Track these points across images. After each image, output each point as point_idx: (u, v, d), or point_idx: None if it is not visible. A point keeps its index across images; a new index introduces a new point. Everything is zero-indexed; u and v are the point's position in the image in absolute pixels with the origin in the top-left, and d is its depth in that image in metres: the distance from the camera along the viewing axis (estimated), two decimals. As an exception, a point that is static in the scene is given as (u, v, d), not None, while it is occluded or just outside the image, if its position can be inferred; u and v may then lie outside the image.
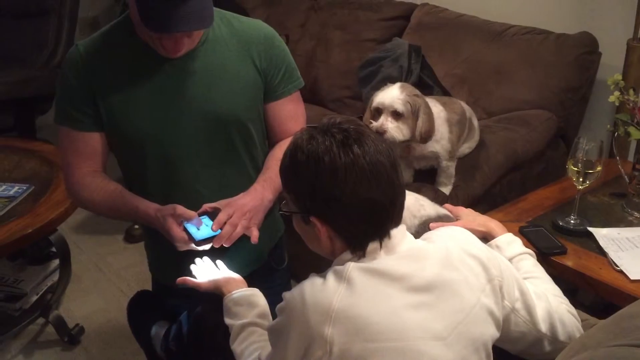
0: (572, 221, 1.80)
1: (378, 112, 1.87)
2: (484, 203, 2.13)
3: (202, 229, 1.45)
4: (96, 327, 2.41)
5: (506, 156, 2.20)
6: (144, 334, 1.73)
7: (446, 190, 2.09)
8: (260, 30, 1.60)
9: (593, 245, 1.73)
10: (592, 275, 1.61)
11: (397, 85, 1.90)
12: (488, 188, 2.16)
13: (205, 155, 1.56)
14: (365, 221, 1.07)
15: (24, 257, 2.40)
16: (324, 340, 1.00)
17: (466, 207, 1.59)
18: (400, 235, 1.10)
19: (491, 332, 1.10)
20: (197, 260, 1.48)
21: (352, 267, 1.05)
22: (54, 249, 2.37)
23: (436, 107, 1.98)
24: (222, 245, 1.46)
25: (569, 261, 1.67)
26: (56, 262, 2.42)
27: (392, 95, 1.85)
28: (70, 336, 2.32)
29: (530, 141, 2.29)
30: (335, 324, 1.00)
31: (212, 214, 1.48)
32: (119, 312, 2.42)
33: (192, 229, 1.45)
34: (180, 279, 1.40)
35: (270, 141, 1.70)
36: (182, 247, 1.45)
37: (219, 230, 1.44)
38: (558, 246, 1.70)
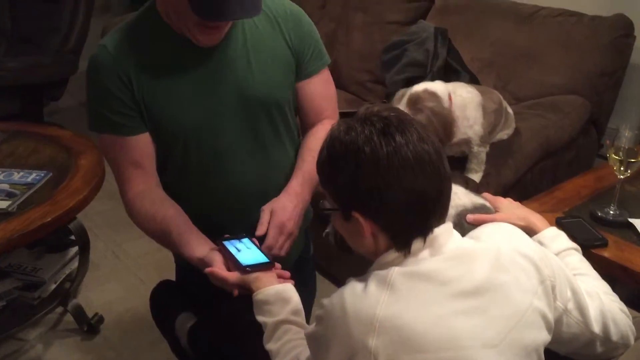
0: (611, 212, 1.73)
1: None
2: (515, 192, 2.06)
3: (245, 252, 1.34)
4: (115, 316, 2.37)
5: (539, 143, 2.13)
6: (168, 326, 1.68)
7: (476, 177, 2.02)
8: (286, 6, 1.54)
9: (634, 237, 1.66)
10: (635, 269, 1.55)
11: (404, 101, 1.85)
12: (520, 176, 2.09)
13: (249, 142, 1.50)
14: (411, 213, 1.00)
15: (41, 245, 2.36)
16: (368, 352, 0.94)
17: (498, 195, 1.52)
18: (446, 233, 1.04)
19: (543, 337, 1.04)
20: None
21: (396, 273, 0.99)
22: (72, 237, 2.32)
23: (470, 94, 1.94)
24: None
25: (610, 254, 1.60)
26: (74, 249, 2.37)
27: None
28: (89, 325, 2.28)
29: (563, 128, 2.21)
30: (380, 334, 0.94)
31: (250, 236, 1.39)
32: (138, 301, 2.38)
33: (232, 249, 1.34)
34: (208, 269, 1.33)
35: (303, 123, 1.64)
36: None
37: (267, 259, 1.33)
38: (598, 238, 1.63)
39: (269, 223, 1.42)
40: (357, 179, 0.99)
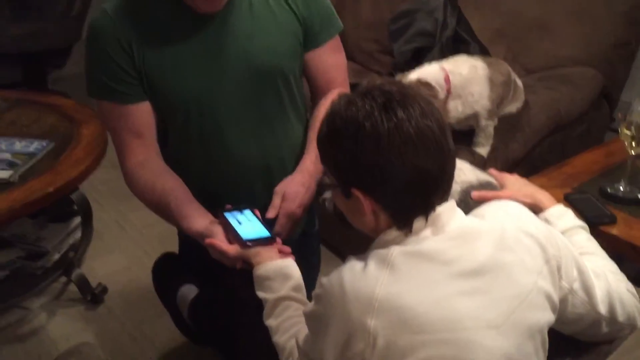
0: (621, 188, 1.69)
1: None
2: (523, 166, 2.03)
3: (246, 225, 1.31)
4: (119, 286, 2.37)
5: (548, 117, 2.08)
6: (170, 298, 1.68)
7: (483, 151, 1.99)
8: None
9: (644, 214, 1.62)
10: (644, 247, 1.52)
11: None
12: (528, 150, 2.05)
13: (252, 113, 1.47)
14: (413, 192, 0.97)
15: (44, 215, 2.35)
16: (367, 332, 0.92)
17: (506, 170, 1.49)
18: (449, 212, 1.00)
19: (547, 318, 1.01)
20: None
21: (397, 252, 0.96)
22: (75, 207, 2.31)
23: (474, 68, 1.90)
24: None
25: (618, 231, 1.57)
26: (78, 219, 2.36)
27: None
28: (93, 295, 2.29)
29: (574, 101, 2.17)
30: (379, 314, 0.92)
31: (252, 207, 1.37)
32: (142, 272, 2.37)
33: (233, 221, 1.31)
34: (208, 240, 1.31)
35: (313, 93, 1.61)
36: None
37: (269, 233, 1.29)
38: (607, 215, 1.59)
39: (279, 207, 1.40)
40: (357, 156, 0.96)
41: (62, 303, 2.30)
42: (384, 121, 0.94)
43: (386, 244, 0.98)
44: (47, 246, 2.24)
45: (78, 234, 2.33)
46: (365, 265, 0.96)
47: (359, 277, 0.95)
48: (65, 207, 2.37)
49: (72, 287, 2.32)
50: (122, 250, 2.59)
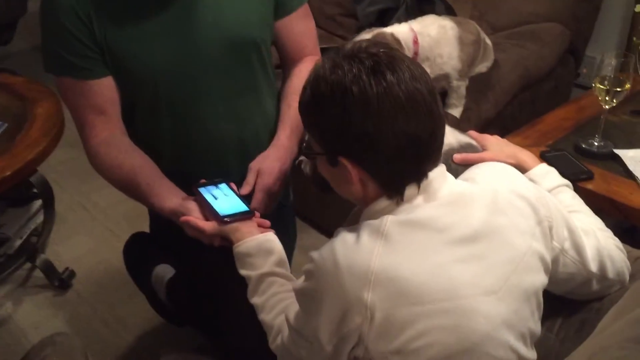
0: (596, 143, 1.69)
1: None
2: (495, 126, 2.01)
3: (222, 200, 1.25)
4: (87, 269, 2.28)
5: (518, 75, 2.07)
6: (144, 280, 1.62)
7: (456, 112, 1.96)
8: None
9: (620, 168, 1.63)
10: (622, 201, 1.53)
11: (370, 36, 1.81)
12: (500, 110, 2.03)
13: (225, 87, 1.40)
14: (403, 158, 0.93)
15: (3, 200, 2.25)
16: (364, 306, 0.88)
17: (478, 130, 1.47)
18: (440, 178, 0.97)
19: (541, 279, 1.00)
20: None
21: (390, 222, 0.92)
22: (35, 190, 2.21)
23: (442, 28, 1.88)
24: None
25: (596, 186, 1.57)
26: (38, 203, 2.27)
27: None
28: (60, 280, 2.20)
29: (542, 57, 2.16)
30: (376, 287, 0.88)
31: (228, 180, 1.31)
32: (109, 253, 2.30)
33: (208, 196, 1.25)
34: (183, 218, 1.25)
35: (284, 62, 1.55)
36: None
37: (246, 207, 1.25)
38: (584, 171, 1.60)
39: (255, 183, 1.34)
40: (345, 123, 0.91)
41: (28, 290, 2.21)
42: (372, 85, 0.89)
43: (378, 214, 0.95)
44: (8, 232, 2.17)
45: (40, 218, 2.24)
46: (358, 237, 0.92)
47: (352, 249, 0.91)
48: (24, 190, 2.28)
49: (38, 274, 2.22)
50: (88, 232, 2.50)
